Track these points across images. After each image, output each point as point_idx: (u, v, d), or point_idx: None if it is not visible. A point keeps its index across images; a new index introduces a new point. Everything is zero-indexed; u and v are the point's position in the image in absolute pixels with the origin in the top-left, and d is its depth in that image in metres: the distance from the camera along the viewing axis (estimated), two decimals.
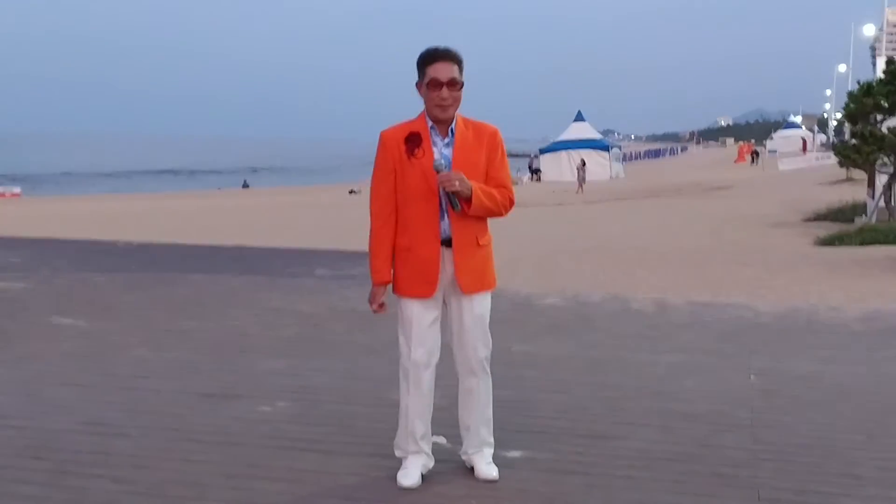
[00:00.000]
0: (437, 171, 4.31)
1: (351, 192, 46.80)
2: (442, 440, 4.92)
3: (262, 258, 13.42)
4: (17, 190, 50.82)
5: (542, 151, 61.38)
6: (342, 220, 24.06)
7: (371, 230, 4.51)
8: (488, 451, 4.70)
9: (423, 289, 4.42)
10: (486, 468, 4.62)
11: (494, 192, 4.42)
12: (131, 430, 5.30)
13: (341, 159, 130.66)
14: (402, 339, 4.51)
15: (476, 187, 4.33)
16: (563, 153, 57.70)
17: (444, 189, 4.32)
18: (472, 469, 4.66)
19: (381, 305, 4.52)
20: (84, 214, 27.02)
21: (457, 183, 4.27)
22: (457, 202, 4.33)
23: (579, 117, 61.81)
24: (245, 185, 63.25)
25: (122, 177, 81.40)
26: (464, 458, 4.72)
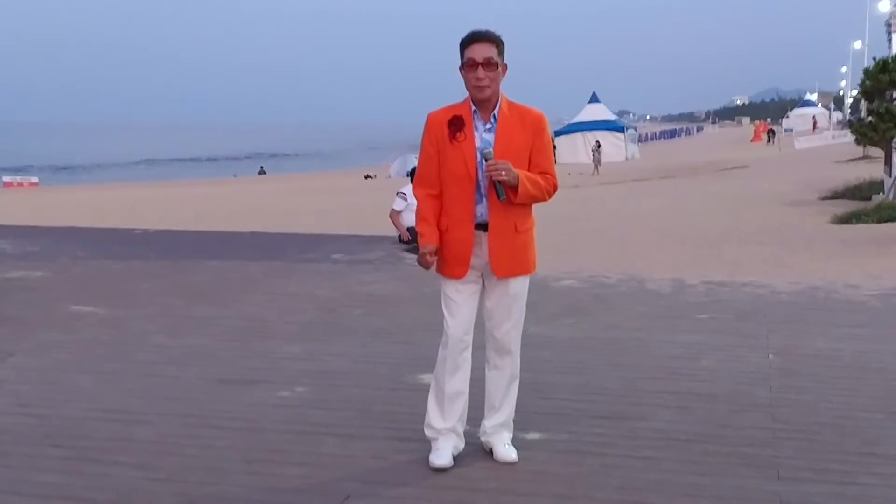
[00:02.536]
0: (486, 159, 4.33)
1: (367, 177, 46.77)
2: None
3: (278, 244, 13.45)
4: (34, 179, 51.34)
5: (558, 134, 61.27)
6: (358, 205, 24.08)
7: (417, 202, 4.58)
8: (507, 435, 4.72)
9: (457, 270, 4.49)
10: (505, 451, 4.64)
11: (539, 179, 4.43)
12: (151, 416, 5.34)
13: (355, 145, 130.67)
14: (444, 316, 4.55)
15: (523, 176, 4.34)
16: (579, 135, 57.56)
17: (490, 177, 4.33)
18: (490, 452, 4.68)
19: (425, 258, 4.43)
20: (101, 203, 27.14)
21: (503, 172, 4.29)
22: (502, 191, 4.34)
23: (594, 99, 61.59)
24: (261, 172, 63.35)
25: (138, 165, 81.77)
26: (483, 439, 4.74)
